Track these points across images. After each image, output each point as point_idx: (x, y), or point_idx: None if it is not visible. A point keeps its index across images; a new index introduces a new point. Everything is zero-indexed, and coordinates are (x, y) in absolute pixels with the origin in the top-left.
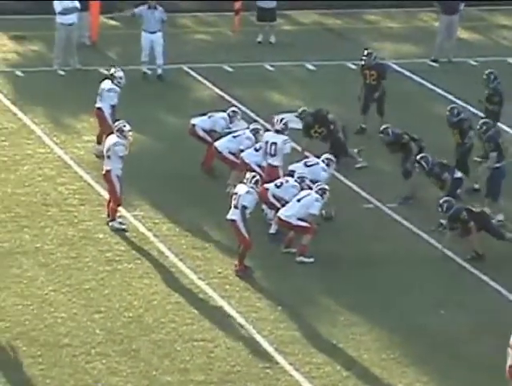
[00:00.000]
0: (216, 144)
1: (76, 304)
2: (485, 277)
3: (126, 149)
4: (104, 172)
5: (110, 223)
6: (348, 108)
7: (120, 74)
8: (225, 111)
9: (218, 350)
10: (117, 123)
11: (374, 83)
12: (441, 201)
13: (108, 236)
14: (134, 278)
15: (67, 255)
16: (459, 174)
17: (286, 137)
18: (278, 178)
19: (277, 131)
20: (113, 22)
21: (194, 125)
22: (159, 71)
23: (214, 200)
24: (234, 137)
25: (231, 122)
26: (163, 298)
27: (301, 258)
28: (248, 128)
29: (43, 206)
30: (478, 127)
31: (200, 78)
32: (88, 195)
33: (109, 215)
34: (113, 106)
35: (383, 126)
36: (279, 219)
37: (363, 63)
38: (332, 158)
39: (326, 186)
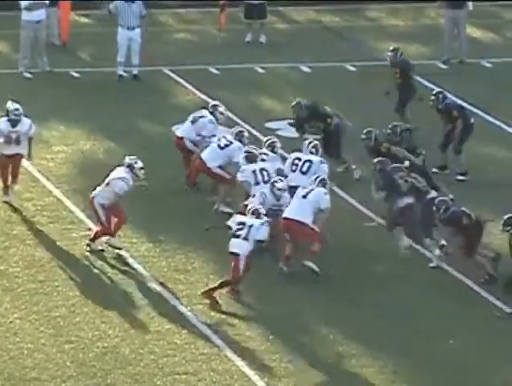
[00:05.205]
0: (204, 157)
1: (44, 333)
2: (498, 303)
3: (129, 189)
4: (90, 199)
5: (88, 242)
6: (347, 115)
7: (140, 165)
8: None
9: (202, 384)
10: (127, 158)
11: (399, 81)
12: (437, 201)
13: (80, 257)
14: (108, 304)
15: (34, 278)
16: (433, 194)
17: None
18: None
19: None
20: (85, 20)
21: (181, 138)
22: (135, 71)
23: (199, 217)
24: (221, 148)
25: (243, 143)
26: (141, 327)
27: (310, 264)
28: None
29: (7, 224)
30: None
31: (182, 81)
32: (58, 211)
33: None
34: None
35: (367, 129)
36: (286, 219)
37: (388, 60)
38: (326, 180)
39: (324, 177)
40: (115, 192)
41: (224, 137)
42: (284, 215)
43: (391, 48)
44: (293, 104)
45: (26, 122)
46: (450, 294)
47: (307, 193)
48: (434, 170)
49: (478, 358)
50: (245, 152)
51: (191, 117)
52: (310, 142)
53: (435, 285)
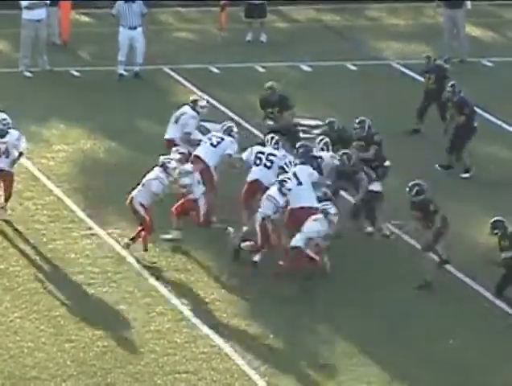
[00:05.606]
0: (201, 154)
1: (44, 332)
2: (497, 302)
3: (165, 188)
4: (129, 200)
5: (143, 253)
6: (347, 114)
7: (173, 164)
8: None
9: (203, 383)
10: (162, 158)
11: (433, 86)
12: (411, 183)
13: (80, 257)
14: (108, 304)
15: (34, 278)
16: (378, 188)
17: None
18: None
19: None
20: (86, 19)
21: (170, 141)
22: (137, 68)
23: None
24: (214, 146)
25: (233, 138)
26: (142, 326)
27: (326, 259)
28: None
29: (7, 223)
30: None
31: (182, 80)
32: (58, 210)
33: (133, 239)
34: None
35: (360, 118)
36: (303, 208)
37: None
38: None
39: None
40: (152, 192)
41: (214, 135)
42: (299, 204)
43: (426, 55)
44: (268, 85)
45: (14, 133)
46: (450, 294)
47: (300, 178)
48: (437, 168)
49: (478, 358)
50: (178, 153)
51: (173, 118)
52: (272, 138)
53: (435, 285)
